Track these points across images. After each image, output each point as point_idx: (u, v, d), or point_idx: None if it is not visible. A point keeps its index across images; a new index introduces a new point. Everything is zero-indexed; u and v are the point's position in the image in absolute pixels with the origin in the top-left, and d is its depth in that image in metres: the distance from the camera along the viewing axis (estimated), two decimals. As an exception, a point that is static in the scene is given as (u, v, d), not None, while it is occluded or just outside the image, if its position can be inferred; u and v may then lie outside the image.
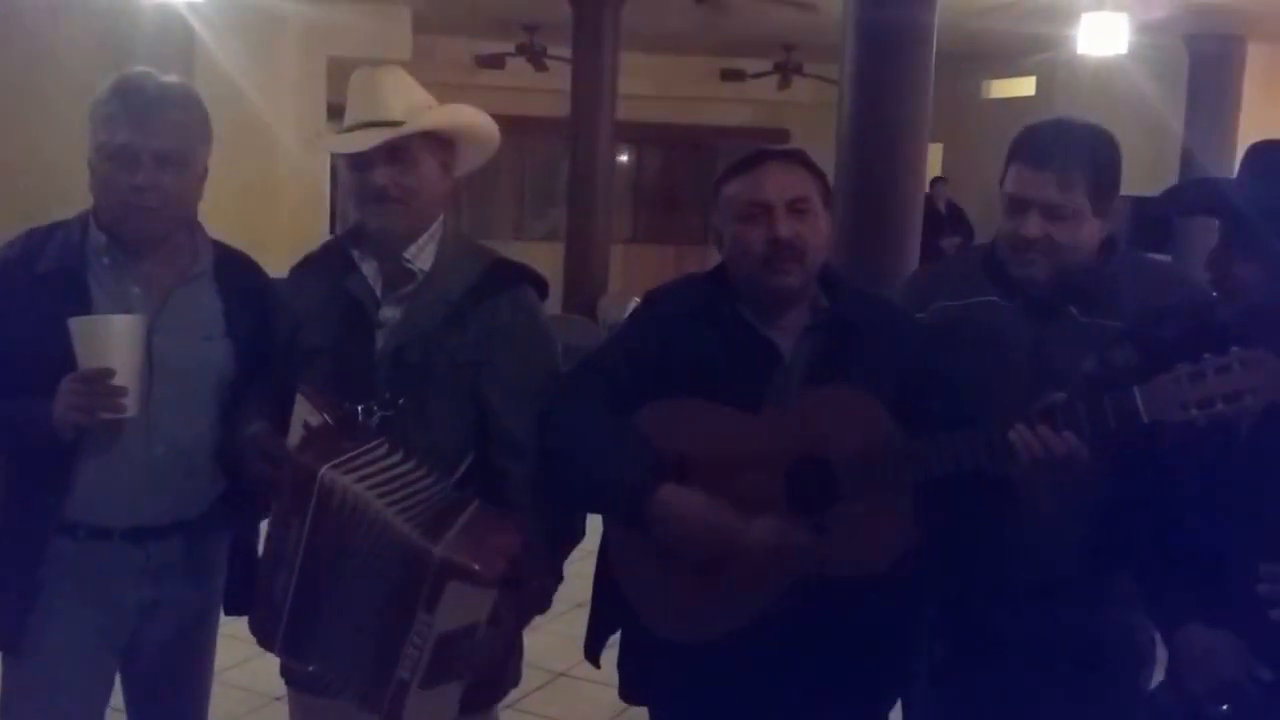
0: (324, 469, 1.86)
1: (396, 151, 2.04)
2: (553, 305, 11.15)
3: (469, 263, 2.14)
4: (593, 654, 2.12)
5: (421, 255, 2.11)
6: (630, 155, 15.96)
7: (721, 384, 1.94)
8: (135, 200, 2.05)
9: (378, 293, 2.12)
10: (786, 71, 13.22)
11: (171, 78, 2.11)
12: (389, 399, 2.03)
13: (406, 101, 2.09)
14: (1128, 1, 8.73)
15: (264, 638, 2.01)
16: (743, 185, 1.98)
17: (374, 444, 1.96)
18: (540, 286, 2.19)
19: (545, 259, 11.93)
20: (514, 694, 3.77)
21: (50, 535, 2.08)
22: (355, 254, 2.14)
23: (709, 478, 1.91)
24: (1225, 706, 1.81)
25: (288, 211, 9.54)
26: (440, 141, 2.11)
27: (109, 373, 1.95)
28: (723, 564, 1.90)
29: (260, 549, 2.09)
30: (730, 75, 14.04)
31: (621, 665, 2.11)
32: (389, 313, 2.10)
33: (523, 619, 1.99)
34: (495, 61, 13.13)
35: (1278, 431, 1.78)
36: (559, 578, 2.12)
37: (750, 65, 13.76)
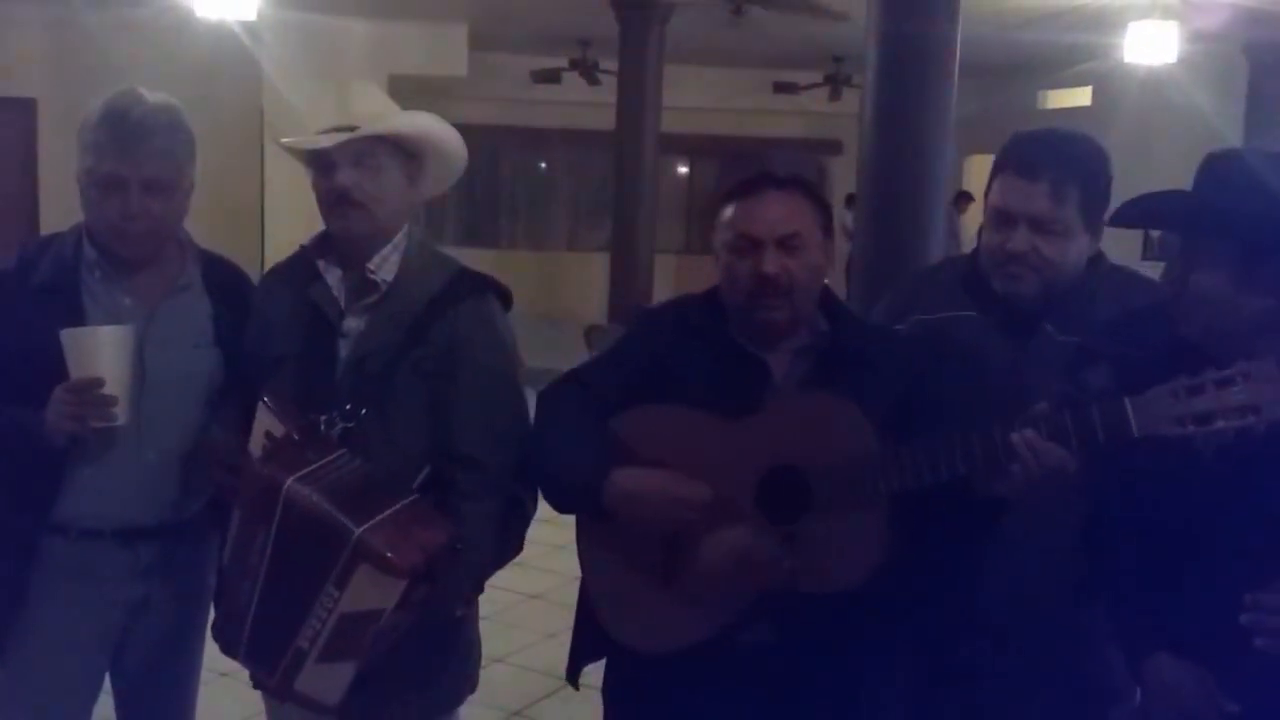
0: (289, 481, 1.89)
1: (360, 156, 2.07)
2: (598, 315, 11.24)
3: (433, 273, 2.15)
4: (571, 677, 2.09)
5: (385, 266, 2.12)
6: (684, 167, 15.99)
7: (711, 401, 1.89)
8: (124, 226, 2.12)
9: (342, 303, 2.13)
10: (837, 83, 13.21)
11: (159, 98, 2.14)
12: (350, 410, 2.03)
13: (370, 109, 2.13)
14: (1179, 10, 8.60)
15: (227, 645, 2.05)
16: (737, 214, 1.92)
17: (337, 455, 1.98)
18: (504, 297, 2.20)
19: (599, 269, 12.02)
20: (523, 700, 3.89)
21: (41, 536, 2.14)
22: (320, 264, 2.15)
23: None
24: None
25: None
26: (406, 153, 2.14)
27: (99, 382, 2.00)
28: (689, 571, 1.87)
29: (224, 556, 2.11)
30: (782, 88, 14.08)
31: (605, 692, 2.07)
32: (353, 323, 2.11)
33: (429, 616, 1.98)
34: (550, 76, 13.28)
35: (1246, 458, 1.71)
36: (478, 589, 2.14)
37: (802, 77, 13.76)
